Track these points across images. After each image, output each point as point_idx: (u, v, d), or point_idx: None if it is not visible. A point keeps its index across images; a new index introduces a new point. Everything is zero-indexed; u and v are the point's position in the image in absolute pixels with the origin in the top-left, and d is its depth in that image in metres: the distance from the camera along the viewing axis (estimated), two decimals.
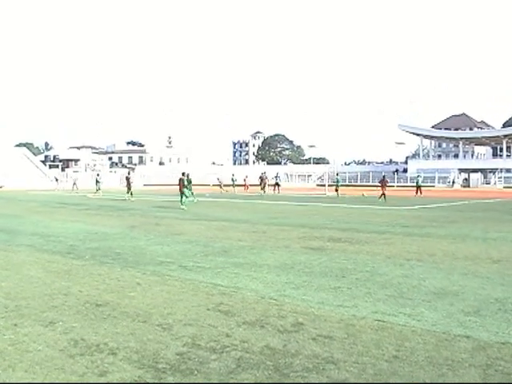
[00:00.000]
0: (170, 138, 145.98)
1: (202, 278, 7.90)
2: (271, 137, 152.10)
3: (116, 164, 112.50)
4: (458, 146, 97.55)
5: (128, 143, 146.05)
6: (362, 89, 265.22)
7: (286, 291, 7.01)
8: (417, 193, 40.03)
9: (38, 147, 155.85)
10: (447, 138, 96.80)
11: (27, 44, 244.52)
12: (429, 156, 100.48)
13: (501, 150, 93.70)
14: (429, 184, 74.11)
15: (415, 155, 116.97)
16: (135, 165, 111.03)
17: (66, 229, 15.35)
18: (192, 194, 28.50)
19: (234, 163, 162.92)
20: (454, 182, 77.70)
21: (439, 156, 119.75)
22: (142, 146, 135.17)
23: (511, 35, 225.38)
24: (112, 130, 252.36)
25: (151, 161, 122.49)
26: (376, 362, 4.34)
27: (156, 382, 3.98)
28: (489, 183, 78.61)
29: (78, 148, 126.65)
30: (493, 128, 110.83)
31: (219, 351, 4.63)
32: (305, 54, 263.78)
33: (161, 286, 7.41)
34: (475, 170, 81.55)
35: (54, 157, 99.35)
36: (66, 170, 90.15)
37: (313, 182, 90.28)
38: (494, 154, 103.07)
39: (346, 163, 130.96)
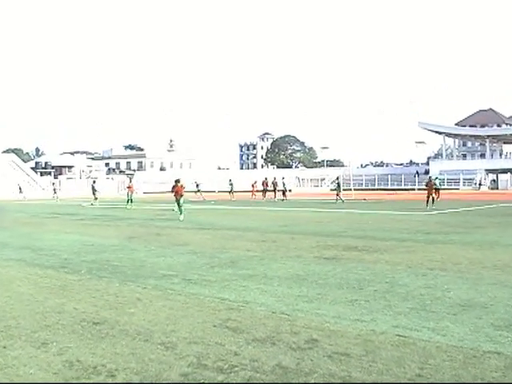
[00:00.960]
0: (171, 141, 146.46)
1: (208, 292, 7.90)
2: (281, 138, 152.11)
3: (113, 170, 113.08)
4: (484, 145, 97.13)
5: (126, 147, 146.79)
6: (378, 85, 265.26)
7: (298, 305, 7.00)
8: (435, 196, 40.12)
9: (27, 153, 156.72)
10: (473, 135, 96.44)
11: (16, 39, 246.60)
12: (452, 156, 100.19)
13: None
14: (453, 187, 73.89)
15: (437, 155, 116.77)
16: (134, 171, 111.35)
17: (59, 241, 15.41)
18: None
19: (241, 167, 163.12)
20: (480, 184, 77.33)
21: (464, 156, 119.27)
22: (142, 150, 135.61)
23: None
24: (109, 133, 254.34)
25: (151, 166, 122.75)
26: (397, 382, 4.32)
27: None
28: None
29: (72, 153, 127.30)
30: None
31: (227, 371, 4.62)
32: (315, 48, 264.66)
33: (163, 301, 7.41)
34: (504, 171, 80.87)
35: (46, 163, 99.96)
36: (58, 177, 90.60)
37: (326, 186, 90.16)
38: None
39: (362, 165, 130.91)
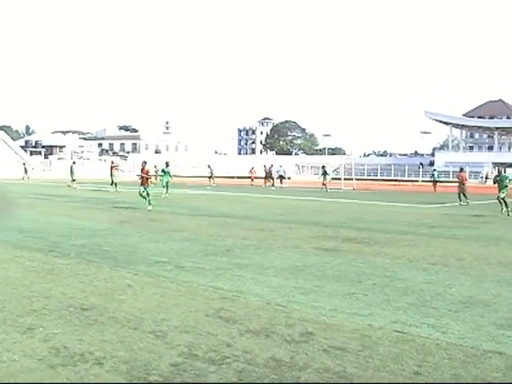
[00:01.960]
0: (167, 123, 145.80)
1: (201, 281, 7.92)
2: (281, 124, 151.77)
3: (106, 151, 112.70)
4: (492, 137, 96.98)
5: (120, 128, 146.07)
6: (384, 73, 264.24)
7: (294, 297, 7.02)
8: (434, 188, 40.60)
9: (17, 131, 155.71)
10: (481, 127, 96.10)
11: (8, 18, 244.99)
12: (459, 147, 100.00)
13: None
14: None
15: (443, 146, 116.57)
16: (128, 153, 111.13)
17: (48, 223, 15.41)
18: (166, 185, 28.62)
19: (239, 152, 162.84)
20: (487, 178, 77.31)
21: (471, 148, 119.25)
22: (136, 131, 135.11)
23: None
24: (102, 112, 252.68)
25: (146, 148, 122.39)
26: (394, 379, 4.34)
27: None
28: None
29: (64, 133, 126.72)
30: None
31: (219, 362, 4.64)
32: (319, 31, 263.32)
33: (154, 288, 7.43)
34: None
35: (36, 142, 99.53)
36: (49, 157, 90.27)
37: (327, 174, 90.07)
38: None
39: (364, 154, 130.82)
